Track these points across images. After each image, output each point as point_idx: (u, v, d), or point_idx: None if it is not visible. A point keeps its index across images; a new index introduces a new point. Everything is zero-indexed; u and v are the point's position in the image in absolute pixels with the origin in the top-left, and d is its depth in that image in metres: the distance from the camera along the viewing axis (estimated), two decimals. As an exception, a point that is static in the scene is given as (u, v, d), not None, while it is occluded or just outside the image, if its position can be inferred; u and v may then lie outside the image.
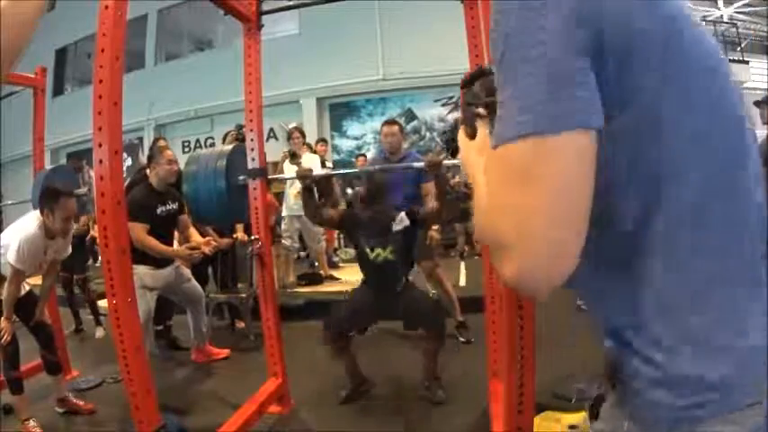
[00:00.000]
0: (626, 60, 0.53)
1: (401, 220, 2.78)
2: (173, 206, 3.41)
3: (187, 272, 3.65)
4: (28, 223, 2.79)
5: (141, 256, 3.15)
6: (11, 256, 2.69)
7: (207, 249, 3.41)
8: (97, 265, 7.88)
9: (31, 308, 2.92)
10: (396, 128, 3.71)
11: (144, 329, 3.18)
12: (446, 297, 3.81)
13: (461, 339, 3.75)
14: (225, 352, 3.90)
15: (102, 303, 4.78)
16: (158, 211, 3.33)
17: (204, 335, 3.81)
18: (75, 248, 4.28)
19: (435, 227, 3.76)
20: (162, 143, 4.69)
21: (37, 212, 2.84)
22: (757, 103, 3.90)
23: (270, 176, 2.91)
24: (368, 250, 2.82)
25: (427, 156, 3.09)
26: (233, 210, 2.77)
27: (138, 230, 3.11)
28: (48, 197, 2.77)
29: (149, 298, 3.28)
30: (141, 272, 3.19)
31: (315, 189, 2.88)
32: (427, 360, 2.91)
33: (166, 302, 3.83)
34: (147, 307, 3.23)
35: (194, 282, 3.70)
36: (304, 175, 2.75)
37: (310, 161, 4.89)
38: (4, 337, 2.67)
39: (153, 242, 3.18)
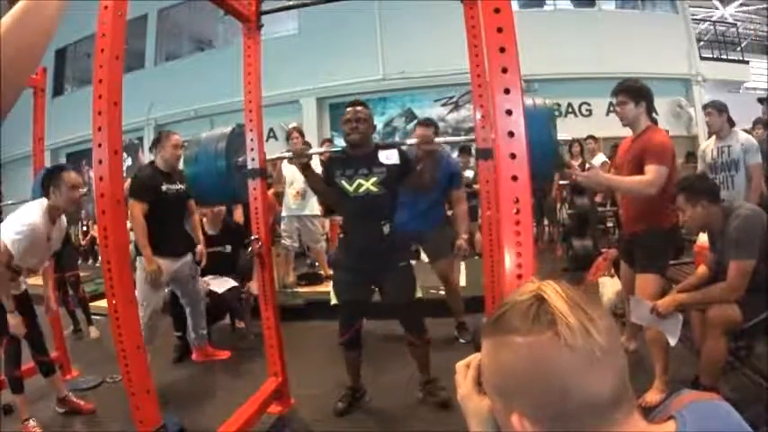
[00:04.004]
0: None
1: (390, 156, 2.65)
2: (180, 186, 3.38)
3: (196, 269, 3.69)
4: (32, 213, 2.69)
5: (155, 246, 3.18)
6: (8, 243, 2.59)
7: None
8: (97, 265, 7.90)
9: (27, 306, 2.87)
10: (431, 131, 3.41)
11: (153, 326, 3.20)
12: (454, 301, 3.81)
13: (462, 340, 3.76)
14: (225, 353, 3.91)
15: (97, 304, 4.80)
16: (163, 188, 3.30)
17: (204, 335, 3.82)
18: (65, 244, 4.29)
19: (465, 236, 3.70)
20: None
21: (38, 201, 2.79)
22: (761, 101, 3.90)
23: (267, 158, 2.89)
24: (346, 184, 2.61)
25: (417, 131, 3.17)
26: (233, 189, 2.78)
27: (137, 210, 3.11)
28: (50, 176, 2.76)
29: (159, 292, 3.29)
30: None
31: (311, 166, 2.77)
32: (418, 363, 2.85)
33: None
34: (157, 302, 3.26)
35: (199, 282, 3.73)
36: (300, 154, 2.72)
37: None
38: (22, 332, 2.68)
39: (142, 228, 3.14)
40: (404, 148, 2.81)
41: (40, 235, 2.69)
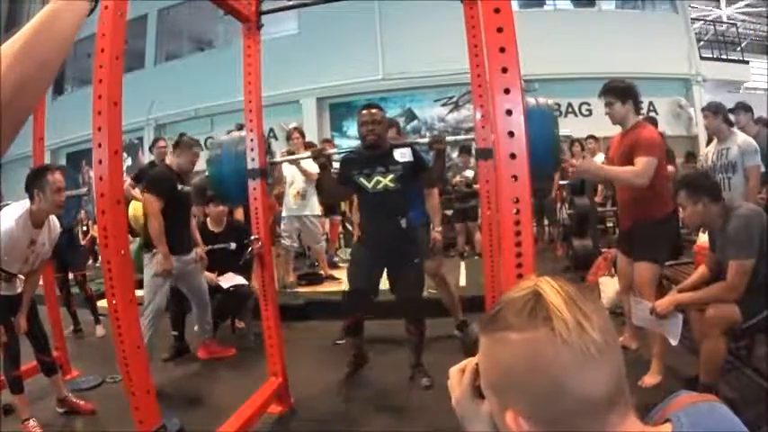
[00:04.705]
0: None
1: (405, 154, 2.80)
2: (188, 187, 3.55)
3: (203, 267, 3.76)
4: (11, 213, 2.63)
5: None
6: None
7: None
8: (97, 265, 7.89)
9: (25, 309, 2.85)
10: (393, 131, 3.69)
11: (153, 325, 3.21)
12: (448, 298, 3.81)
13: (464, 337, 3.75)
14: (230, 350, 3.93)
15: (101, 303, 4.79)
16: (179, 187, 3.41)
17: (209, 330, 3.84)
18: (70, 244, 4.30)
19: (438, 228, 3.75)
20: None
21: (20, 202, 2.71)
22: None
23: (278, 159, 2.96)
24: (365, 181, 2.80)
25: (432, 135, 3.18)
26: None
27: (156, 206, 3.18)
28: (34, 178, 2.66)
29: (165, 290, 3.32)
30: (160, 258, 3.23)
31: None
32: (411, 347, 3.05)
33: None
34: (161, 300, 3.29)
35: (204, 279, 3.76)
36: (318, 155, 2.87)
37: (310, 161, 4.88)
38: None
39: (161, 223, 3.20)
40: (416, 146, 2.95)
41: (16, 240, 2.60)
